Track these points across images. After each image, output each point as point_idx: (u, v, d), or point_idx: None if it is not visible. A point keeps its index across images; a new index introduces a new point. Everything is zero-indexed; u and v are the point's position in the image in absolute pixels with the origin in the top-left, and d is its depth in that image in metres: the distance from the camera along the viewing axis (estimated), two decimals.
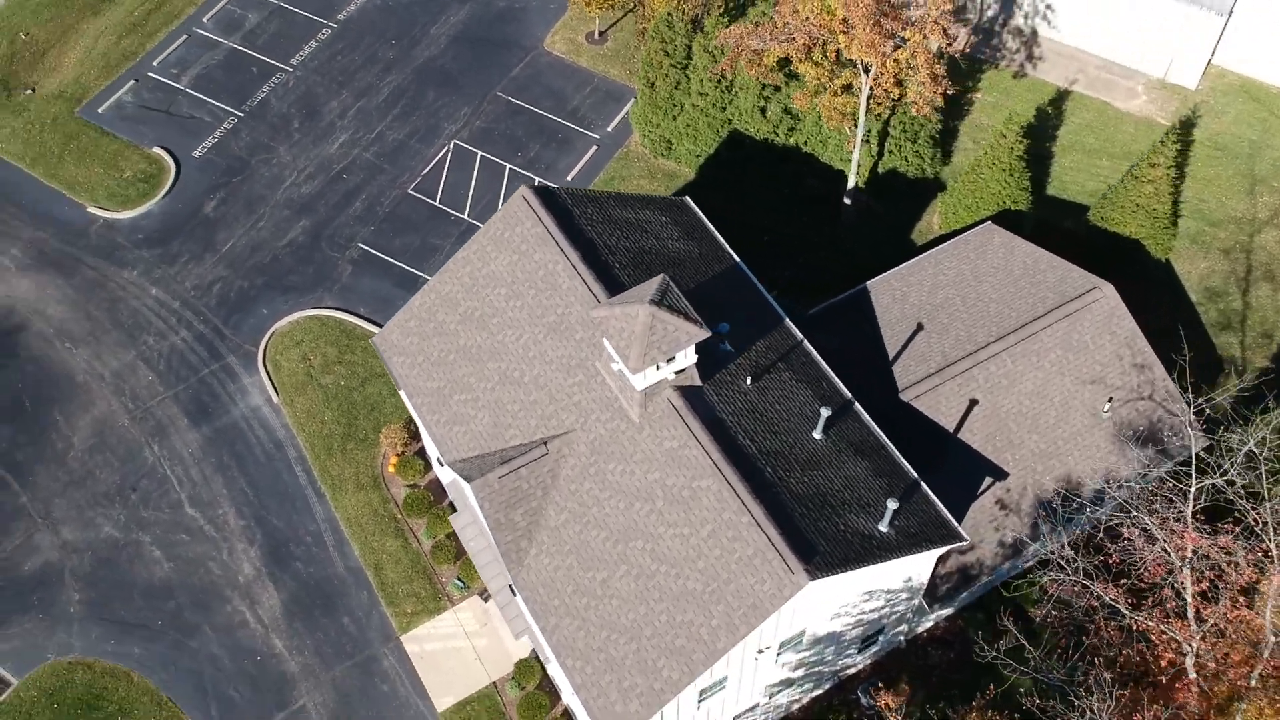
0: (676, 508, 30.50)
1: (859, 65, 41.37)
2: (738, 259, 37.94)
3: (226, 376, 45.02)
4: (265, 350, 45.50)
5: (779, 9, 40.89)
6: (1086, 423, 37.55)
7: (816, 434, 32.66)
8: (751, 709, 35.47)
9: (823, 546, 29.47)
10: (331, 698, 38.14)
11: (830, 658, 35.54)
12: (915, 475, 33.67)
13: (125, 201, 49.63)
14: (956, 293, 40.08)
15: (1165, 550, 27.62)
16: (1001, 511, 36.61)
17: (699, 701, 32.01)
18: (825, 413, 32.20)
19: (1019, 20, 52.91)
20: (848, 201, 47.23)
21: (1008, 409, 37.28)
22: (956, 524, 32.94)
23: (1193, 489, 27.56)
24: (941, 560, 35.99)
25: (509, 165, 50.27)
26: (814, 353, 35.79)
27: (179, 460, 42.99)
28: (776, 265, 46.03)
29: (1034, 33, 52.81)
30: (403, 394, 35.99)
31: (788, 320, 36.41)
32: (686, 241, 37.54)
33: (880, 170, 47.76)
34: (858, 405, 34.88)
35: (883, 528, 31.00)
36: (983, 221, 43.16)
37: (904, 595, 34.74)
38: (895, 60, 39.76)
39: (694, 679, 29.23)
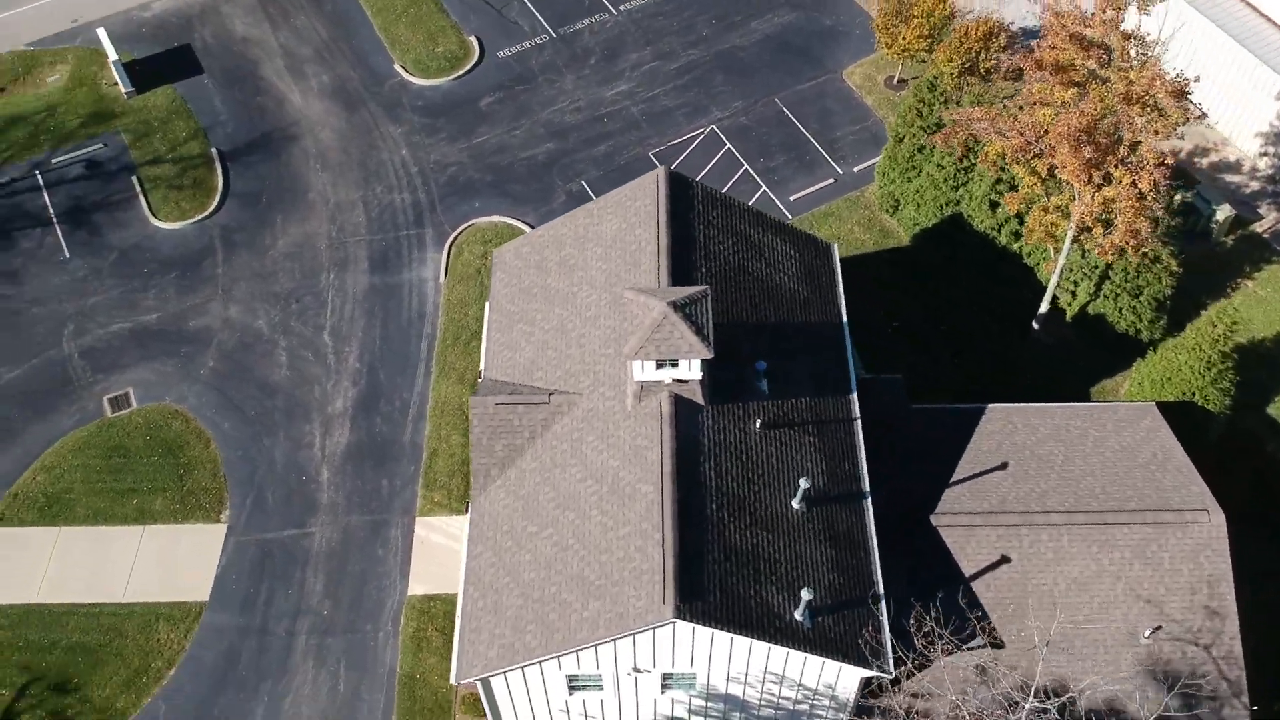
0: (615, 499, 30.92)
1: (1075, 189, 38.67)
2: (845, 319, 37.06)
3: (416, 245, 49.39)
4: (457, 236, 49.46)
5: (1013, 104, 38.96)
6: (1117, 639, 33.68)
7: (795, 503, 31.76)
8: None
9: (714, 598, 28.94)
10: (336, 538, 41.67)
11: None
12: (880, 592, 31.94)
13: (425, 71, 55.13)
14: (1062, 450, 36.92)
15: None
16: (979, 679, 33.79)
17: (570, 689, 32.39)
18: (804, 484, 31.25)
19: None
20: (1036, 326, 44.25)
21: (1037, 583, 34.17)
22: (890, 655, 31.00)
23: (1027, 706, 24.51)
24: (891, 692, 33.86)
25: (746, 165, 51.01)
26: (858, 436, 34.55)
27: (342, 294, 47.90)
28: (929, 355, 44.20)
29: None
30: (487, 305, 38.39)
31: (854, 395, 35.29)
32: (800, 281, 37.10)
33: (1091, 310, 44.25)
34: (868, 501, 33.41)
35: (798, 615, 29.85)
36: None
37: (825, 702, 33.07)
38: (1103, 196, 36.86)
39: (546, 655, 29.76)
